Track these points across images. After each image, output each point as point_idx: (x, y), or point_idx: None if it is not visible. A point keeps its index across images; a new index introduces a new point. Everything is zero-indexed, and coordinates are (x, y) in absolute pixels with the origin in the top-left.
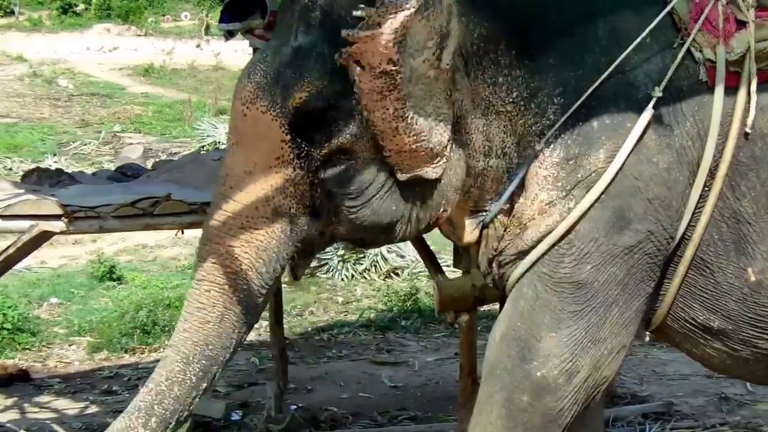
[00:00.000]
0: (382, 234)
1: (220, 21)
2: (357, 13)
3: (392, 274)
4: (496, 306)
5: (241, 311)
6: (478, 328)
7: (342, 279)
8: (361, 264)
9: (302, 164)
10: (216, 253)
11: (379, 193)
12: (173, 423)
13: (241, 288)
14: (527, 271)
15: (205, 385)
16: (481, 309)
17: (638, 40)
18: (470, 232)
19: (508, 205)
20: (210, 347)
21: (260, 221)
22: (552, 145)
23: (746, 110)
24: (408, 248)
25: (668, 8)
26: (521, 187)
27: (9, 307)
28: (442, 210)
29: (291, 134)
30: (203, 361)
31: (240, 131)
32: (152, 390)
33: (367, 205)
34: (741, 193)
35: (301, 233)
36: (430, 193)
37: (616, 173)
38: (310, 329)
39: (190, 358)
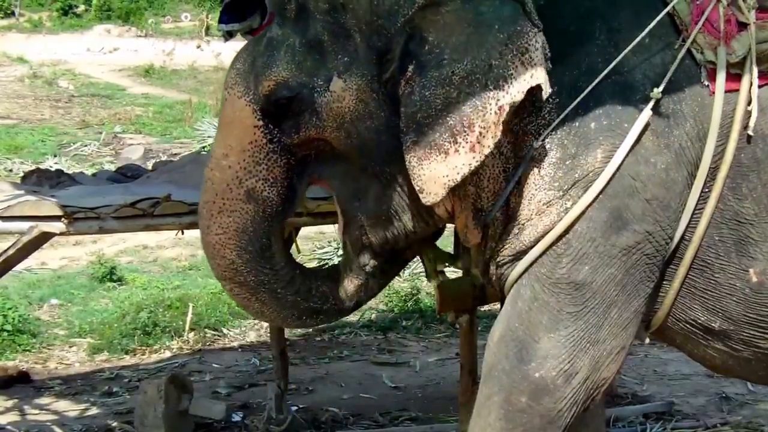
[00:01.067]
0: (386, 224)
1: (220, 21)
2: None
3: None
4: (497, 306)
5: (269, 282)
6: (479, 329)
7: None
8: None
9: (275, 149)
10: (210, 246)
11: (369, 181)
12: None
13: (246, 270)
14: (525, 271)
15: None
16: (482, 309)
17: (636, 40)
18: (475, 232)
19: (506, 205)
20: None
21: (234, 203)
22: (549, 145)
23: (747, 112)
24: None
25: (668, 9)
26: (518, 187)
27: (9, 309)
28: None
29: (263, 120)
30: None
31: (222, 115)
32: None
33: (360, 190)
34: (742, 195)
35: (277, 214)
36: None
37: (614, 173)
38: (310, 330)
39: None
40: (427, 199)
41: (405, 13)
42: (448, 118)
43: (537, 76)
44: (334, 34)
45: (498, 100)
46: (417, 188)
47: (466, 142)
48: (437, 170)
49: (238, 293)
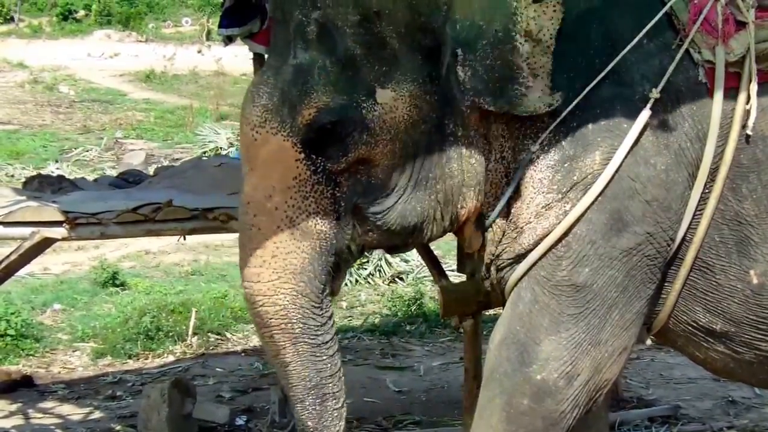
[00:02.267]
0: (412, 236)
1: (220, 26)
2: None
3: (396, 279)
4: (501, 310)
5: (310, 336)
6: (483, 333)
7: (346, 284)
8: (365, 269)
9: (320, 179)
10: (258, 293)
11: (402, 197)
12: None
13: (297, 318)
14: (525, 274)
15: (330, 402)
16: (486, 313)
17: (634, 41)
18: (476, 237)
19: (506, 209)
20: (307, 380)
21: (290, 245)
22: (547, 148)
23: (746, 111)
24: (412, 253)
25: (665, 9)
26: (518, 190)
27: (12, 314)
28: (460, 207)
29: (304, 152)
30: (312, 392)
31: (252, 157)
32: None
33: (392, 209)
34: (742, 195)
35: (331, 248)
36: (450, 191)
37: (613, 175)
38: None
39: (300, 397)
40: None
41: (445, 1)
42: (515, 68)
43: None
44: (367, 45)
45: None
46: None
47: (536, 77)
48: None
49: (277, 342)
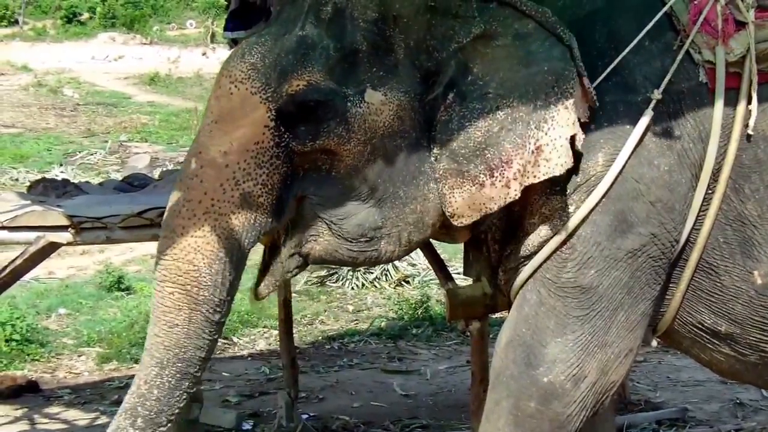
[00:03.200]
0: (364, 251)
1: (225, 29)
2: None
3: (403, 283)
4: (508, 313)
5: (209, 309)
6: (490, 336)
7: (352, 288)
8: (372, 273)
9: (280, 154)
10: (177, 245)
11: (361, 206)
12: (163, 421)
13: (206, 285)
14: (530, 276)
15: (186, 383)
16: (493, 316)
17: (634, 42)
18: (466, 232)
19: (507, 211)
20: (183, 349)
21: (226, 205)
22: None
23: (748, 112)
24: (418, 256)
25: (665, 9)
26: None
27: (17, 318)
28: (430, 231)
29: (276, 121)
30: (178, 364)
31: (223, 109)
32: (134, 393)
33: (350, 216)
34: (745, 196)
35: (265, 225)
36: (425, 212)
37: (616, 176)
38: (320, 338)
39: (164, 363)
40: (459, 221)
41: (459, 41)
42: (486, 152)
43: (575, 123)
44: (374, 45)
45: (537, 140)
46: (448, 213)
47: (503, 177)
48: (472, 197)
49: (175, 300)
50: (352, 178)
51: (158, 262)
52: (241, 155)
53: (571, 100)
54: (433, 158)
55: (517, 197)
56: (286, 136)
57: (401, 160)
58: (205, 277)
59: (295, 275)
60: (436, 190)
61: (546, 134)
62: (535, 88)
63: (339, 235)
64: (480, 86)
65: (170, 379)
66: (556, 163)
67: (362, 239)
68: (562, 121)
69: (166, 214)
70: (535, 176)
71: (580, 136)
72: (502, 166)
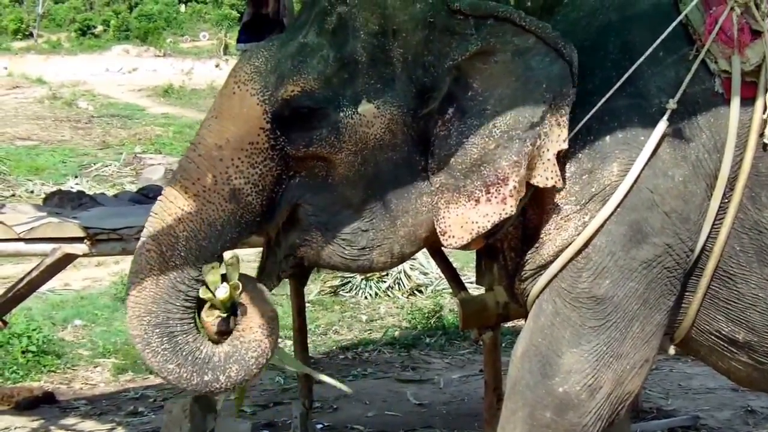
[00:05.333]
0: (356, 260)
1: (238, 41)
2: None
3: (416, 292)
4: (521, 322)
5: (176, 278)
6: (503, 345)
7: (365, 297)
8: (385, 282)
9: (274, 156)
10: (167, 212)
11: (353, 215)
12: None
13: (178, 255)
14: (546, 286)
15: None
16: (506, 325)
17: (648, 51)
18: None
19: (523, 220)
20: (151, 314)
21: (215, 196)
22: (564, 160)
23: (763, 121)
24: (431, 265)
25: (679, 18)
26: (536, 201)
27: (33, 330)
28: (423, 244)
29: (272, 124)
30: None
31: (224, 106)
32: None
33: (339, 223)
34: (762, 204)
35: (250, 225)
36: (418, 225)
37: (631, 186)
38: (334, 348)
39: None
40: (449, 241)
41: (455, 57)
42: (482, 168)
43: (565, 140)
44: (372, 57)
45: (531, 157)
46: (439, 230)
47: (499, 194)
48: (465, 215)
49: (148, 256)
50: (344, 187)
51: (149, 222)
52: (235, 152)
53: (565, 117)
54: (429, 173)
55: (512, 213)
56: (281, 139)
57: (392, 173)
58: (180, 246)
59: (290, 275)
60: (430, 204)
61: (537, 149)
62: (532, 106)
63: (332, 243)
64: (479, 102)
65: (160, 346)
66: (540, 173)
67: (354, 248)
68: (554, 137)
69: (166, 185)
70: (522, 190)
71: (564, 151)
72: (498, 183)
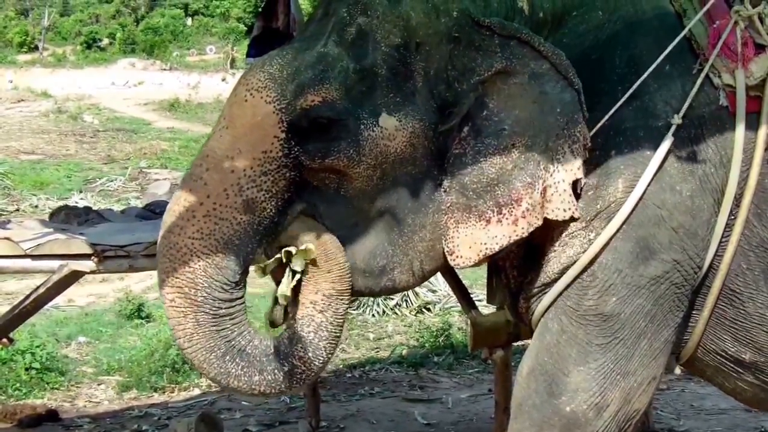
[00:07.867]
0: (376, 278)
1: (248, 54)
2: None
3: (424, 310)
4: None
5: (212, 308)
6: (513, 364)
7: (373, 315)
8: (392, 299)
9: (288, 164)
10: (175, 248)
11: (371, 229)
12: None
13: (202, 286)
14: (552, 304)
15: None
16: (516, 344)
17: (653, 66)
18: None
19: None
20: (219, 347)
21: (228, 210)
22: None
23: None
24: (439, 283)
25: (683, 33)
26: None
27: (37, 347)
28: (444, 260)
29: (287, 133)
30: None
31: (235, 116)
32: None
33: (355, 237)
34: None
35: (267, 233)
36: (437, 241)
37: (637, 203)
38: (341, 366)
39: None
40: (456, 261)
41: (480, 73)
42: (496, 188)
43: (580, 168)
44: (393, 70)
45: (545, 180)
46: (447, 249)
47: (511, 215)
48: (474, 236)
49: (176, 305)
50: (360, 201)
51: (160, 269)
52: (247, 162)
53: (578, 145)
54: (443, 190)
55: (524, 236)
56: (296, 149)
57: (411, 187)
58: (200, 279)
59: None
60: (443, 222)
61: (551, 176)
62: (548, 129)
63: (351, 263)
64: (495, 122)
65: (236, 368)
66: (557, 206)
67: (374, 267)
68: (567, 165)
69: (165, 214)
70: (538, 218)
71: (583, 182)
72: (512, 204)
